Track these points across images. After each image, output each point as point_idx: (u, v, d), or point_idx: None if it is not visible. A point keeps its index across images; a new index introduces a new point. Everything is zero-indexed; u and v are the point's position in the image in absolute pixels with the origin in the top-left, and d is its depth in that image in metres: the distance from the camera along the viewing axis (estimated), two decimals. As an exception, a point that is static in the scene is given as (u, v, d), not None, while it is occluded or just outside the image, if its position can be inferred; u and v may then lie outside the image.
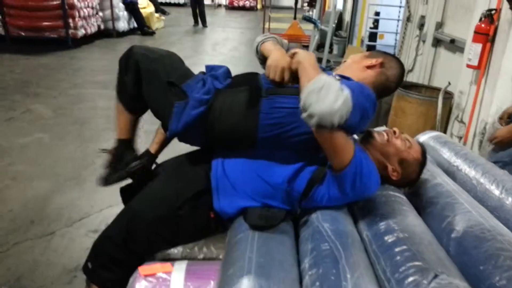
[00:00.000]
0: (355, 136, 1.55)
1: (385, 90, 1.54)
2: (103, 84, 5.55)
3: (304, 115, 1.14)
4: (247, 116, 1.33)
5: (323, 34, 5.59)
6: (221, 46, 8.93)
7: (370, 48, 6.98)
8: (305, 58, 1.30)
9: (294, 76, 1.34)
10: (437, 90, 3.51)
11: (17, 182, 2.99)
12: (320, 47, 7.08)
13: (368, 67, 1.50)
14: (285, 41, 1.63)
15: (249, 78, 1.45)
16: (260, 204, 1.34)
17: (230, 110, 1.35)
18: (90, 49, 7.81)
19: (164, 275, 1.24)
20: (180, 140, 1.45)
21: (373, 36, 7.17)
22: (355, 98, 1.16)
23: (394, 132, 1.45)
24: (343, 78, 1.39)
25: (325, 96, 1.10)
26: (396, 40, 6.13)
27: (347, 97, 1.13)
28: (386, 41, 7.06)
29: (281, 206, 1.35)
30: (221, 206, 1.36)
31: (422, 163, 1.46)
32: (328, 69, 1.56)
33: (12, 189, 2.89)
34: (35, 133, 3.85)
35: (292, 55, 1.36)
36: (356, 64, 1.53)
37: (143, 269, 1.25)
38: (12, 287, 1.99)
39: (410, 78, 4.58)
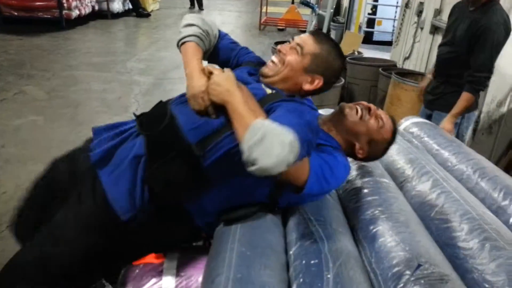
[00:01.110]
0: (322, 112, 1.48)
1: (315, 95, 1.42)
2: (97, 66, 5.50)
3: (252, 168, 0.97)
4: (193, 178, 1.20)
5: (320, 19, 5.55)
6: (217, 29, 8.82)
7: (368, 35, 6.94)
8: (228, 87, 1.10)
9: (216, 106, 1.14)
10: (433, 78, 3.50)
11: (10, 164, 2.98)
12: (317, 32, 7.02)
13: (307, 90, 1.34)
14: (214, 24, 1.46)
15: (168, 138, 1.22)
16: None
17: (172, 187, 1.20)
18: (84, 31, 7.71)
19: (156, 264, 1.25)
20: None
21: (371, 22, 7.13)
22: (299, 133, 1.02)
23: (369, 109, 1.36)
24: (271, 88, 1.30)
25: (270, 147, 0.95)
26: (394, 26, 6.10)
27: (293, 141, 0.98)
28: (384, 27, 7.03)
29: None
30: (201, 217, 1.30)
31: (390, 142, 1.40)
32: (256, 77, 1.37)
33: (6, 171, 2.89)
34: (29, 115, 3.83)
35: (209, 74, 1.17)
36: (291, 82, 1.33)
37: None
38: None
39: (407, 65, 4.56)
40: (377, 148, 1.38)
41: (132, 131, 1.28)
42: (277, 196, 1.27)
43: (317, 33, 1.40)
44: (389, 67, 4.26)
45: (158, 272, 1.24)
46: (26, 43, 6.39)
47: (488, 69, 2.26)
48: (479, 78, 2.27)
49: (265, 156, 0.95)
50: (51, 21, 7.42)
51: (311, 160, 1.13)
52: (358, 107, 1.37)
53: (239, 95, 1.09)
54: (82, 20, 8.01)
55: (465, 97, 2.31)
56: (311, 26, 4.77)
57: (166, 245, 1.36)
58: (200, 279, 1.23)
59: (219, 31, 1.51)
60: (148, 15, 9.72)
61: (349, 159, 1.35)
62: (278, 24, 9.45)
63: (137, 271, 1.25)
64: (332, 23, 7.21)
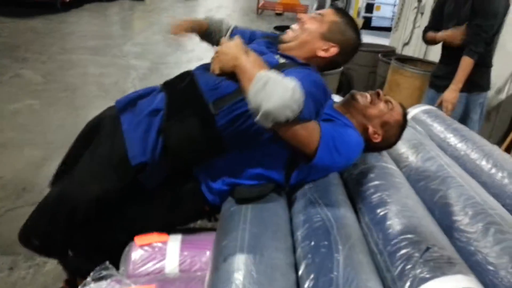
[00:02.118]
0: (335, 99, 1.52)
1: (330, 68, 1.47)
2: (93, 50, 5.44)
3: (257, 118, 1.07)
4: (207, 137, 1.24)
5: (321, 4, 5.48)
6: (214, 14, 8.68)
7: (367, 20, 6.89)
8: (235, 53, 1.20)
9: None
10: (433, 64, 3.48)
11: (7, 149, 2.95)
12: (315, 17, 6.96)
13: (321, 57, 1.36)
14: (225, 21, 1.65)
15: (188, 92, 1.29)
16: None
17: (185, 143, 1.25)
18: (79, 13, 7.61)
19: (160, 245, 1.25)
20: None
21: (369, 8, 7.07)
22: (305, 87, 1.10)
23: (378, 94, 1.40)
24: (287, 58, 1.34)
25: (273, 90, 1.04)
26: (393, 12, 6.05)
27: (296, 87, 1.06)
28: (383, 13, 6.98)
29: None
30: (210, 185, 1.33)
31: (403, 125, 1.43)
32: (274, 49, 1.41)
33: (3, 156, 2.86)
34: (25, 99, 3.78)
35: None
36: (308, 47, 1.36)
37: (139, 238, 1.26)
38: (5, 253, 2.00)
39: (406, 51, 4.54)
40: (391, 132, 1.40)
41: (156, 88, 1.36)
42: (291, 171, 1.29)
43: (338, 8, 1.45)
44: (388, 53, 4.23)
45: (161, 252, 1.24)
46: (20, 25, 6.29)
47: (485, 31, 2.29)
48: (476, 38, 2.29)
49: (267, 99, 1.03)
50: (46, 3, 7.32)
51: (322, 128, 1.17)
52: (367, 93, 1.41)
53: (245, 59, 1.19)
54: (77, 2, 7.91)
55: (464, 62, 2.33)
56: (313, 10, 4.71)
57: (171, 219, 1.37)
58: (203, 259, 1.25)
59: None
60: (143, -2, 9.60)
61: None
62: (276, 9, 9.36)
63: (140, 250, 1.25)
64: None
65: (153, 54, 5.56)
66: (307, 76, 1.22)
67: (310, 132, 1.15)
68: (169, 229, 1.35)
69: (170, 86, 1.34)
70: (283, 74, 1.14)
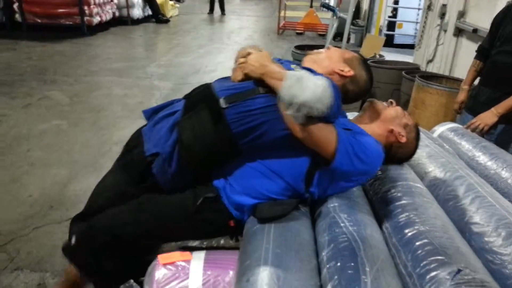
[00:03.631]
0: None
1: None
2: (118, 72, 5.58)
3: (290, 111, 1.13)
4: (218, 132, 1.27)
5: (341, 23, 5.51)
6: (235, 35, 8.87)
7: (389, 38, 6.87)
8: (263, 62, 1.29)
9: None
10: (459, 81, 3.42)
11: (35, 168, 3.03)
12: (336, 36, 6.99)
13: (338, 73, 1.44)
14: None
15: (202, 93, 1.37)
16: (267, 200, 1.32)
17: (197, 136, 1.28)
18: (105, 37, 7.84)
19: (183, 263, 1.24)
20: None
21: (391, 25, 7.06)
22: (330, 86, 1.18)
23: (391, 102, 1.49)
24: (304, 69, 1.39)
25: (306, 85, 1.12)
26: (416, 29, 6.02)
27: (326, 83, 1.15)
28: (405, 30, 6.95)
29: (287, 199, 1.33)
30: (235, 200, 1.33)
31: (418, 130, 1.51)
32: (286, 61, 1.49)
33: (31, 175, 2.93)
34: (53, 119, 3.89)
35: (247, 54, 1.36)
36: (328, 63, 1.46)
37: (162, 257, 1.25)
38: (33, 270, 2.03)
39: (430, 68, 4.49)
40: (411, 134, 1.46)
41: (179, 99, 1.46)
42: (310, 180, 1.29)
43: (362, 56, 1.56)
44: (412, 70, 4.19)
45: (185, 271, 1.23)
46: (49, 49, 6.53)
47: None
48: None
49: (301, 92, 1.10)
50: (73, 27, 7.59)
51: (339, 133, 1.22)
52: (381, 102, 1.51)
53: (273, 66, 1.28)
54: (103, 26, 8.16)
55: None
56: (333, 29, 4.73)
57: (193, 227, 1.34)
58: (226, 279, 1.22)
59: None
60: (167, 21, 9.83)
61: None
62: (297, 28, 9.44)
63: (163, 269, 1.24)
64: (351, 27, 7.17)
65: (176, 75, 5.66)
66: (327, 80, 1.25)
67: (330, 133, 1.20)
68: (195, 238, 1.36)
69: (189, 94, 1.44)
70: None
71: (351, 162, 1.22)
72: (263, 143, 1.29)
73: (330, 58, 1.47)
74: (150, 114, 1.46)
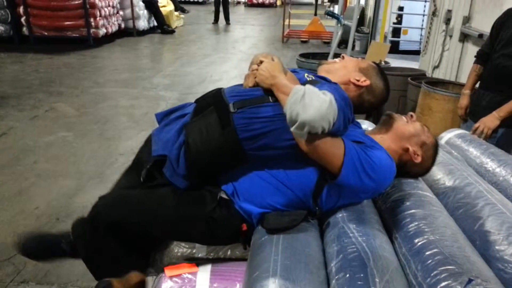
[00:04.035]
0: (365, 125, 1.54)
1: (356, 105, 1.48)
2: (124, 83, 5.61)
3: (293, 128, 1.12)
4: (225, 136, 1.27)
5: (346, 30, 5.52)
6: (240, 44, 8.92)
7: (394, 44, 6.86)
8: (274, 72, 1.29)
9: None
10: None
11: (42, 180, 3.04)
12: (341, 43, 6.99)
13: (354, 83, 1.43)
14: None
15: (213, 97, 1.38)
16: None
17: (204, 139, 1.29)
18: (111, 48, 7.91)
19: (189, 276, 1.23)
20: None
21: (396, 32, 7.05)
22: (336, 99, 1.15)
23: (411, 116, 1.44)
24: (318, 78, 1.39)
25: (310, 102, 1.08)
26: (421, 35, 6.01)
27: (331, 100, 1.11)
28: (410, 36, 6.93)
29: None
30: (243, 206, 1.32)
31: (437, 149, 1.45)
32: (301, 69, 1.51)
33: (38, 186, 2.94)
34: (59, 131, 3.91)
35: (260, 63, 1.37)
36: (344, 72, 1.45)
37: (169, 269, 1.25)
38: (39, 282, 2.03)
39: (436, 74, 4.47)
40: (428, 153, 1.41)
41: (190, 103, 1.47)
42: (318, 194, 1.28)
43: (378, 65, 1.56)
44: (418, 76, 4.16)
45: (191, 284, 1.22)
46: (56, 61, 6.60)
47: None
48: None
49: (305, 109, 1.07)
50: (79, 39, 7.67)
51: (347, 146, 1.20)
52: (401, 116, 1.44)
53: (282, 77, 1.27)
54: (109, 38, 8.24)
55: None
56: (337, 37, 4.73)
57: (207, 224, 1.32)
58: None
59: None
60: (172, 31, 9.92)
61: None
62: (301, 36, 9.47)
63: (170, 282, 1.23)
64: (356, 34, 7.17)
65: (182, 85, 5.68)
66: (336, 91, 1.25)
67: (337, 147, 1.18)
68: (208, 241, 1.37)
69: (200, 98, 1.45)
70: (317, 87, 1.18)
71: (359, 177, 1.20)
72: (270, 152, 1.29)
73: (346, 68, 1.46)
74: (162, 116, 1.48)
